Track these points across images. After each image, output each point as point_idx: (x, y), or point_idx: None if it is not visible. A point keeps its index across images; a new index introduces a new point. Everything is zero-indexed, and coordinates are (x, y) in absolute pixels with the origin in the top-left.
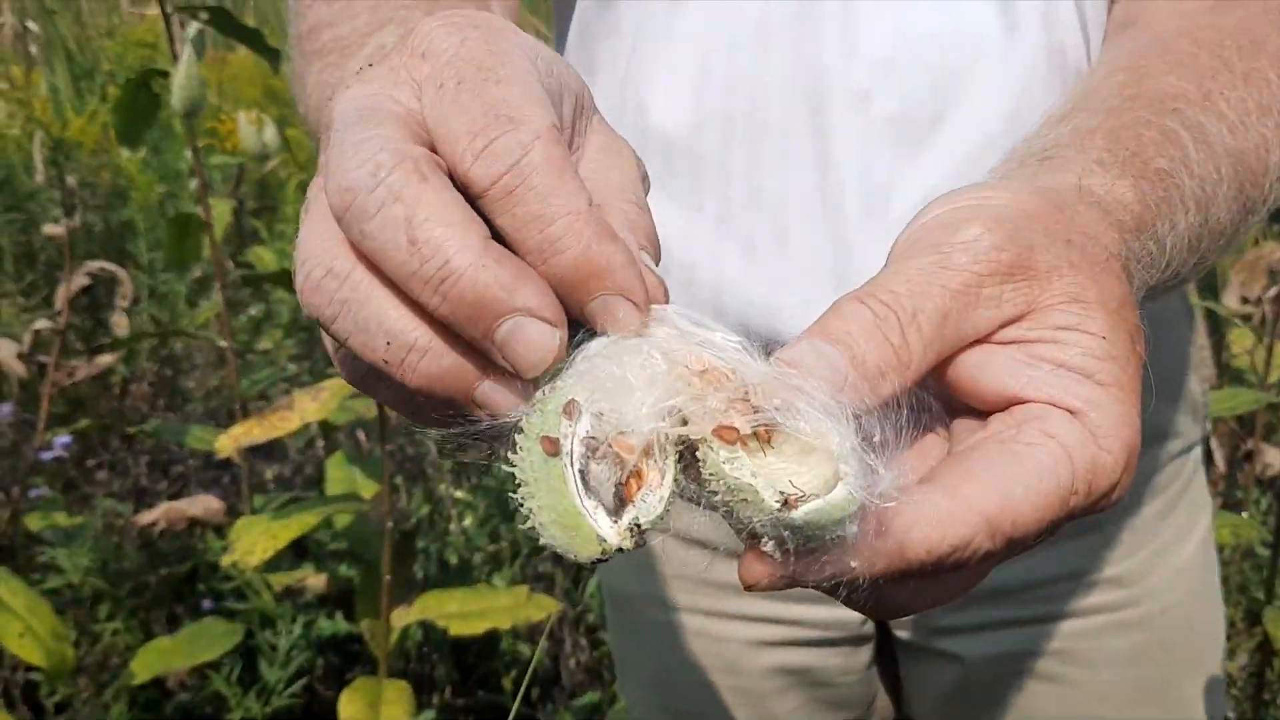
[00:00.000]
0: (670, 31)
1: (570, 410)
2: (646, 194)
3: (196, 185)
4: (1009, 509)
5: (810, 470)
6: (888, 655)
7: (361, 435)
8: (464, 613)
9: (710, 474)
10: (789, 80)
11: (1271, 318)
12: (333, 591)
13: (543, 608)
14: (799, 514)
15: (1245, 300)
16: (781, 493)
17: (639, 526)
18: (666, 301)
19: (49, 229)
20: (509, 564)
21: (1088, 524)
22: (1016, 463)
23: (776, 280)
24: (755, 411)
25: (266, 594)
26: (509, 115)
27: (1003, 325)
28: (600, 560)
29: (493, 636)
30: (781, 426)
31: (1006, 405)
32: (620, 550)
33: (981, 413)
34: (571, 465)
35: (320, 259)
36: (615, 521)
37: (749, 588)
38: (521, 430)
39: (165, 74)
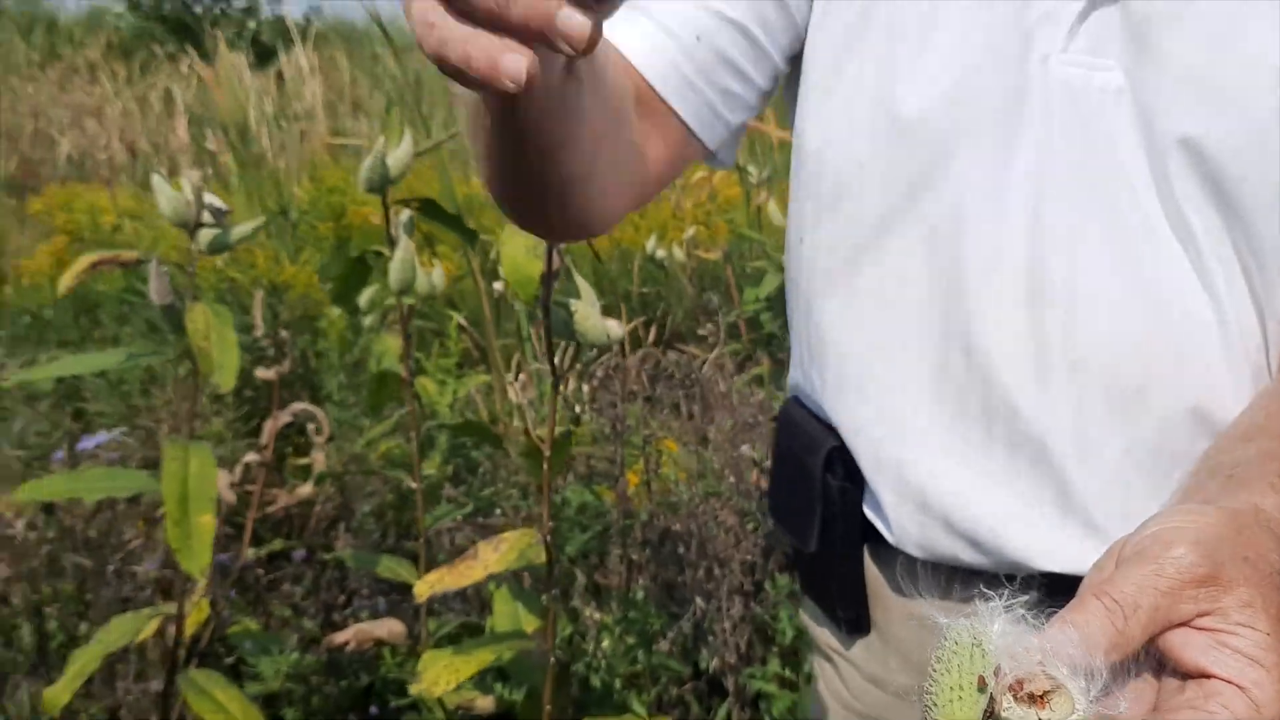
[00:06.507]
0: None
1: (982, 684)
2: None
3: (401, 345)
4: None
5: (1059, 709)
6: None
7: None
8: None
9: (1003, 713)
10: (1017, 347)
11: None
12: (499, 710)
13: None
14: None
15: None
16: (1035, 712)
17: None
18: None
19: (260, 372)
20: (648, 689)
21: None
22: None
23: (1006, 504)
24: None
25: (440, 711)
26: None
27: (1197, 616)
28: None
29: None
30: (1052, 684)
31: (1199, 675)
32: None
33: (1181, 673)
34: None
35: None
36: None
37: None
38: (931, 680)
39: (379, 253)
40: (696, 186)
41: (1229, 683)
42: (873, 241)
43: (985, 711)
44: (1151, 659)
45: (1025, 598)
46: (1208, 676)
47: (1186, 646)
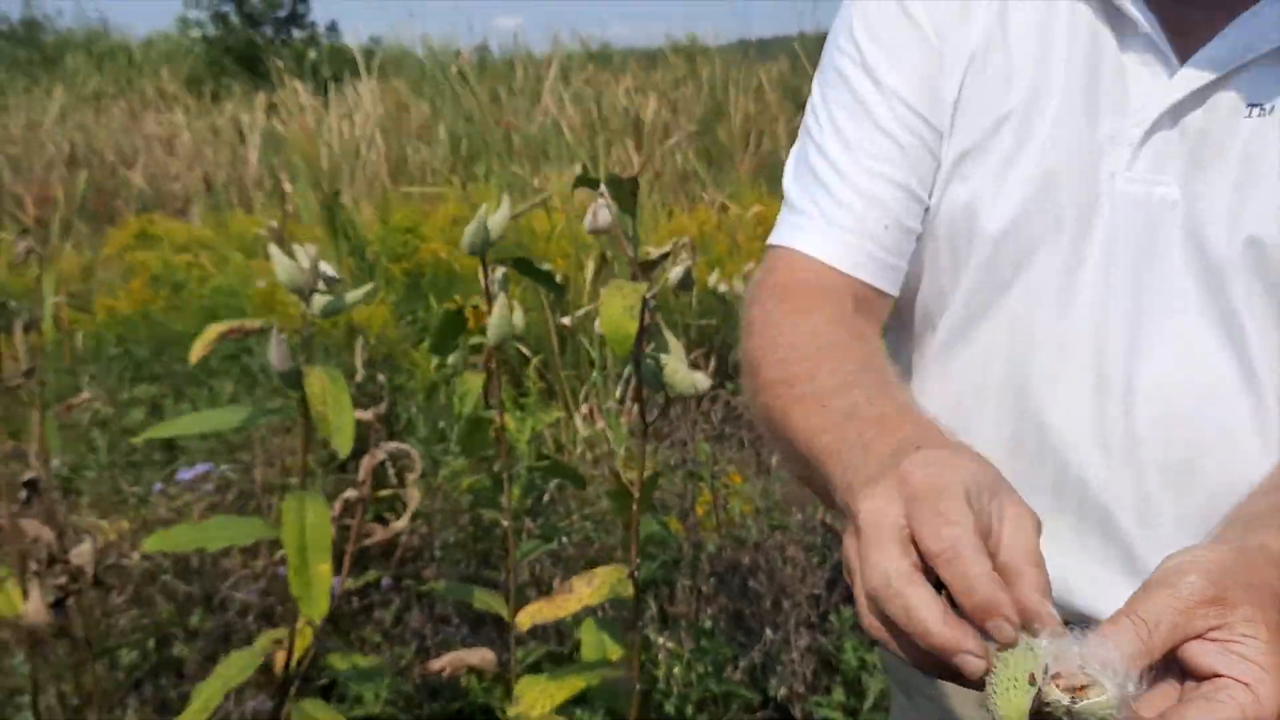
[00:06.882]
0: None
1: (1032, 680)
2: (1040, 533)
3: (490, 392)
4: None
5: (1095, 696)
6: None
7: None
8: None
9: (1048, 700)
10: (1083, 427)
11: None
12: None
13: None
14: (1079, 704)
15: None
16: (1068, 704)
17: None
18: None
19: (359, 414)
20: (718, 715)
21: None
22: (1217, 716)
23: (1076, 565)
24: (1069, 681)
25: None
26: (950, 520)
27: (1209, 630)
28: None
29: None
30: (1090, 680)
31: (1211, 676)
32: None
33: (1197, 676)
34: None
35: (863, 613)
36: None
37: None
38: (1004, 663)
39: (475, 306)
40: (754, 221)
41: (1236, 680)
42: (962, 333)
43: (1034, 699)
44: (1175, 668)
45: (1066, 615)
46: (1219, 676)
47: (1201, 654)
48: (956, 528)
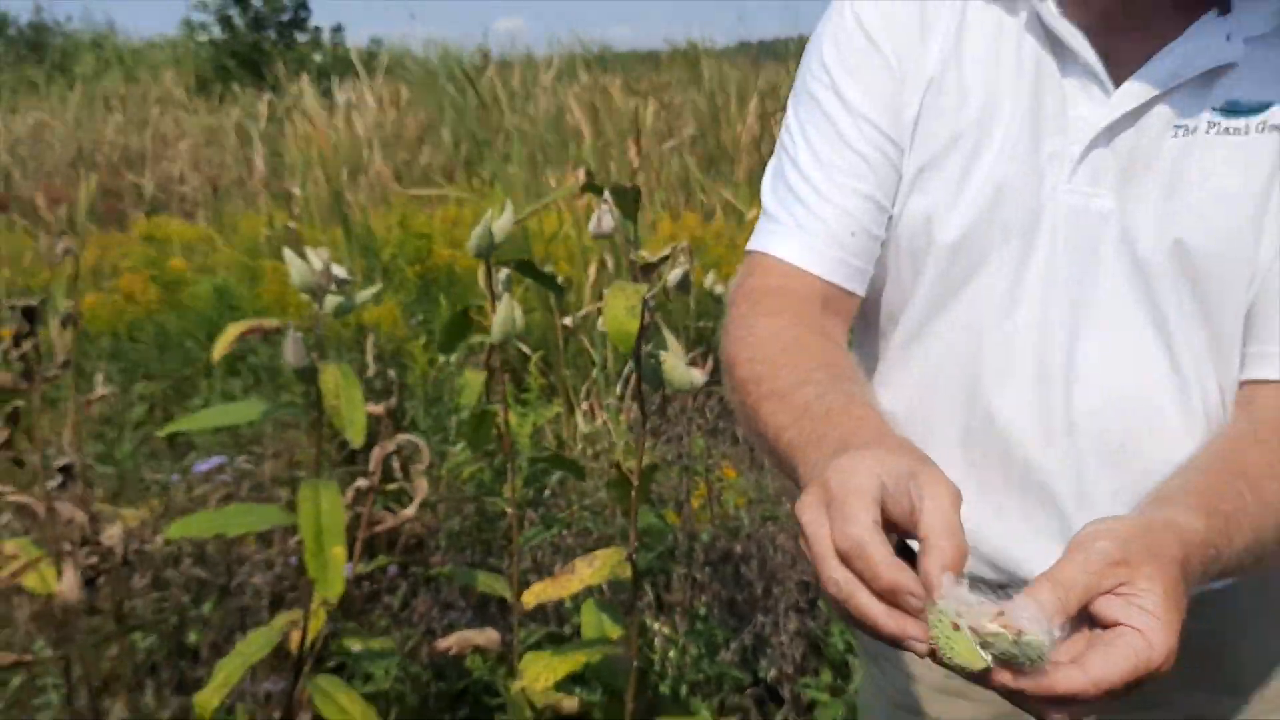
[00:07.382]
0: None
1: (955, 627)
2: (958, 504)
3: (494, 386)
4: (1105, 680)
5: (1030, 640)
6: None
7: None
8: None
9: (992, 636)
10: (1027, 414)
11: None
12: (579, 711)
13: None
14: (1021, 640)
15: None
16: (1014, 638)
17: (989, 661)
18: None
19: (371, 408)
20: (711, 695)
21: None
22: (1113, 659)
23: (1019, 535)
24: (1007, 620)
25: (528, 710)
26: (852, 521)
27: (1115, 587)
28: (978, 671)
29: None
30: (1021, 626)
31: (1115, 625)
32: (987, 669)
33: (1103, 626)
34: (970, 636)
35: (832, 607)
36: (987, 658)
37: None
38: (933, 626)
39: (480, 306)
40: (751, 224)
41: (1133, 628)
42: (921, 331)
43: (975, 640)
44: (1087, 619)
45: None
46: (1120, 625)
47: (1107, 607)
48: (857, 527)
